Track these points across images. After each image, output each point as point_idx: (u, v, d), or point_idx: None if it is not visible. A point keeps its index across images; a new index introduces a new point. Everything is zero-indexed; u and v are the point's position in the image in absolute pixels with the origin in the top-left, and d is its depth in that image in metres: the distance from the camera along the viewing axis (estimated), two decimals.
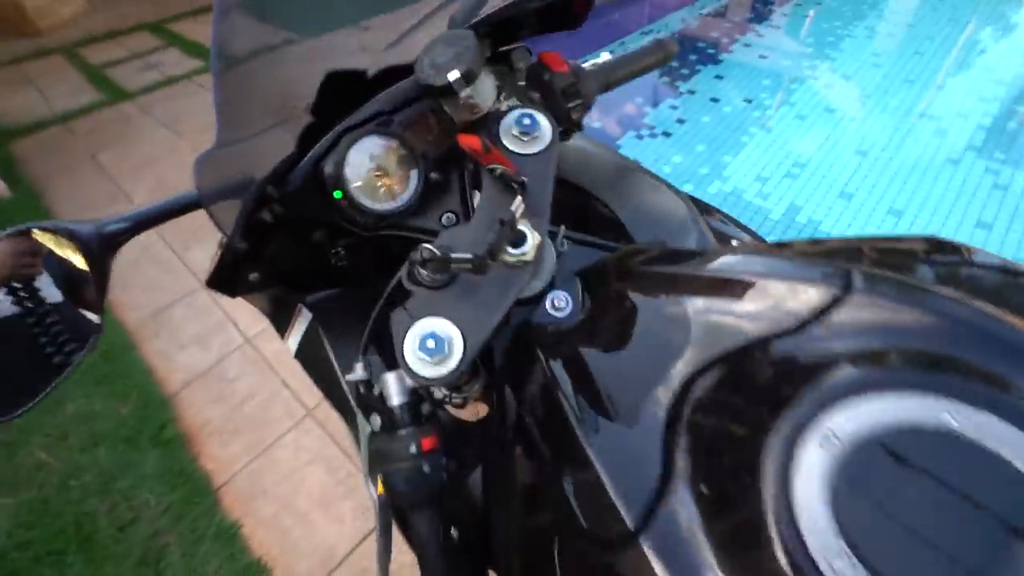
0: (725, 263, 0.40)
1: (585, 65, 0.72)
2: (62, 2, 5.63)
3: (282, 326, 0.86)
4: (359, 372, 0.59)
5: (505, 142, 0.57)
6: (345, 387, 0.78)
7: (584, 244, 0.62)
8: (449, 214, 0.61)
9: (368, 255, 0.73)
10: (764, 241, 0.81)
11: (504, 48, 0.69)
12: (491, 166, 0.55)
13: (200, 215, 0.67)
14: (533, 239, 0.53)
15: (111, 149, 3.73)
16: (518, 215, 0.52)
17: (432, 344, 0.46)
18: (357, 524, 1.80)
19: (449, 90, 0.53)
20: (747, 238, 0.86)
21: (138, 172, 3.49)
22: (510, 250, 0.53)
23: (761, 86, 3.79)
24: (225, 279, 0.66)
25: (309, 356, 0.84)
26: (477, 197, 0.58)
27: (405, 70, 0.57)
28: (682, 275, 0.43)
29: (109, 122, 4.03)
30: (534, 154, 0.57)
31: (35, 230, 0.54)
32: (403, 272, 0.54)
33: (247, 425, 2.08)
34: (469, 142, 0.56)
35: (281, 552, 1.76)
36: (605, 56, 0.78)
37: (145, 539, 1.81)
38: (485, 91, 0.57)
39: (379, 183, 0.58)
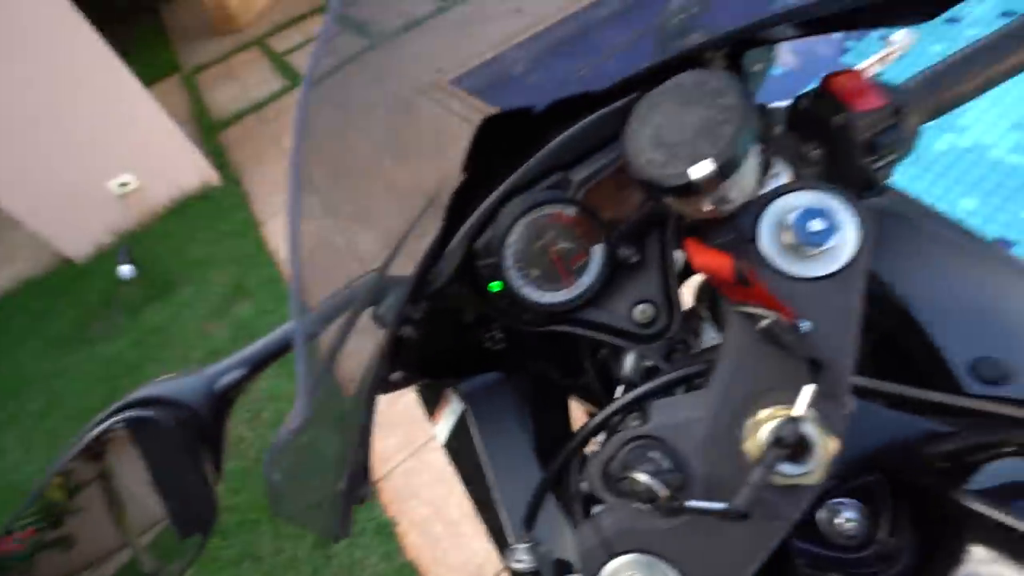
0: None
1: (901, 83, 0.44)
2: None
3: (431, 404, 0.73)
4: (523, 559, 0.42)
5: (771, 256, 0.33)
6: (497, 502, 0.62)
7: (882, 398, 0.37)
8: (644, 306, 0.47)
9: (532, 340, 0.59)
10: None
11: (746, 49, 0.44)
12: (748, 309, 0.32)
13: None
14: (824, 447, 0.30)
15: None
16: (806, 416, 0.29)
17: None
18: None
19: (690, 188, 0.31)
20: None
21: None
22: (785, 468, 0.30)
23: None
24: None
25: (458, 449, 0.70)
26: (675, 279, 0.47)
27: (581, 100, 0.42)
28: None
29: (291, 107, 4.37)
30: (826, 278, 0.33)
31: (121, 421, 0.43)
32: (593, 469, 0.34)
33: (402, 420, 2.10)
34: (711, 263, 0.34)
35: (433, 560, 1.74)
36: (899, 39, 0.42)
37: None
38: (747, 178, 0.34)
39: (549, 268, 0.45)
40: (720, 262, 0.34)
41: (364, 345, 0.46)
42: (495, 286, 0.46)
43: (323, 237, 0.51)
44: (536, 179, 0.45)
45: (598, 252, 0.46)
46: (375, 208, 0.55)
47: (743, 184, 0.33)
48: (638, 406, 0.40)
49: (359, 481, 0.42)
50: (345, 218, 0.54)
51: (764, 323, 0.31)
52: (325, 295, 0.47)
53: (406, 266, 0.45)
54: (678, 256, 0.49)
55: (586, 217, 0.45)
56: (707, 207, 0.33)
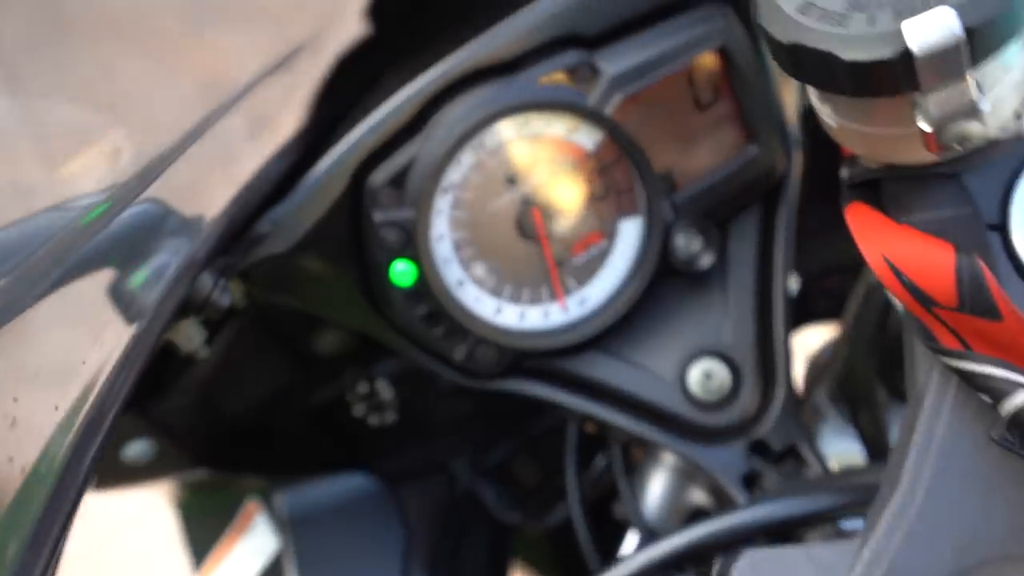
0: None
1: None
2: None
3: (201, 536, 0.40)
4: None
5: None
6: None
7: None
8: (710, 363, 0.28)
9: (455, 414, 0.38)
10: None
11: None
12: (977, 366, 0.17)
13: None
14: None
15: None
16: None
17: None
18: None
19: (898, 75, 0.15)
20: None
21: None
22: None
23: None
24: None
25: None
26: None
27: None
28: None
29: None
30: None
31: None
32: None
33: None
34: (910, 261, 0.17)
35: None
36: None
37: None
38: (1011, 88, 0.17)
39: (523, 255, 0.27)
40: (928, 261, 0.17)
41: (83, 348, 0.18)
42: (404, 275, 0.25)
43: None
44: (519, 58, 0.26)
45: (631, 234, 0.27)
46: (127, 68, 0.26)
47: (999, 101, 0.17)
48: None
49: None
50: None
51: (1017, 403, 0.16)
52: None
53: (207, 196, 0.22)
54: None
55: (618, 155, 0.26)
56: (920, 137, 0.16)
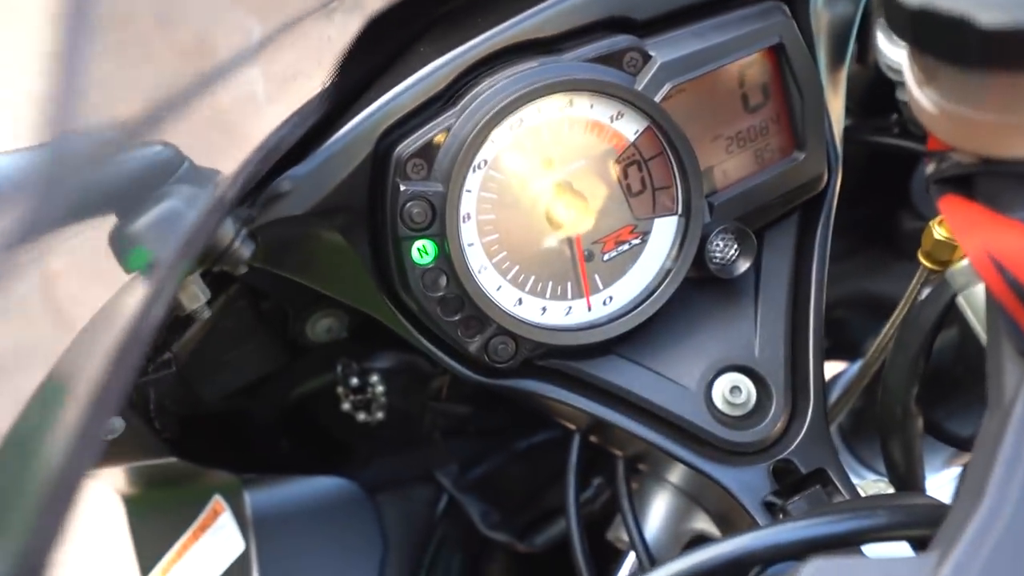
0: None
1: None
2: None
3: (152, 543, 0.34)
4: None
5: None
6: None
7: None
8: (736, 377, 0.26)
9: (453, 416, 0.35)
10: None
11: None
12: None
13: None
14: None
15: None
16: None
17: None
18: None
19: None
20: None
21: None
22: None
23: None
24: None
25: None
26: None
27: None
28: None
29: None
30: None
31: None
32: None
33: None
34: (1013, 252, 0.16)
35: None
36: None
37: None
38: None
39: (552, 249, 0.25)
40: None
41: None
42: (424, 253, 0.23)
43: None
44: (565, 36, 0.25)
45: (666, 233, 0.25)
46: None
47: None
48: None
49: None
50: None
51: None
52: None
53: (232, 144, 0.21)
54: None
55: (660, 149, 0.25)
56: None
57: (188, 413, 0.30)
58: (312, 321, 0.29)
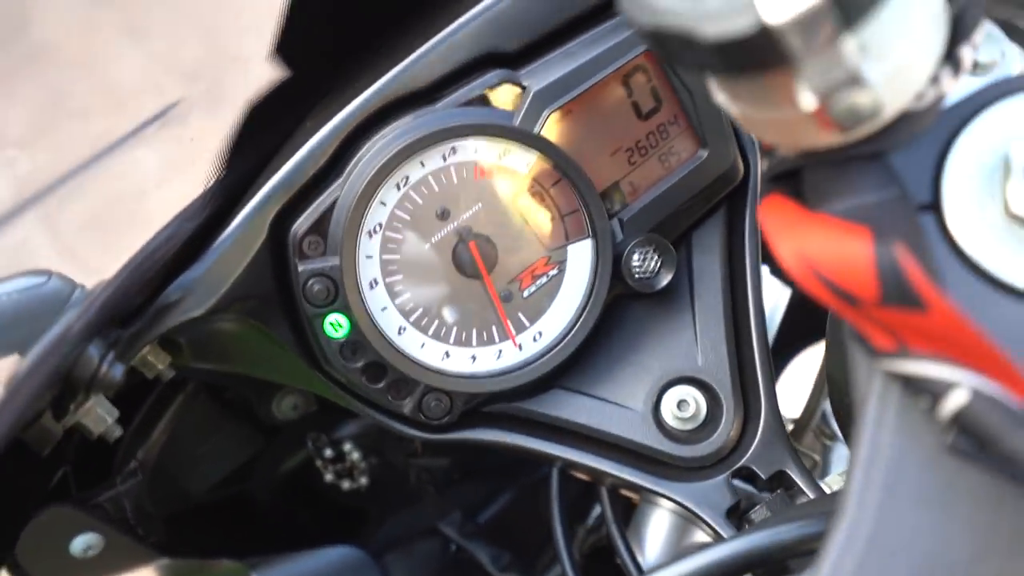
0: None
1: None
2: None
3: None
4: None
5: (973, 241, 0.16)
6: None
7: None
8: (684, 389, 0.25)
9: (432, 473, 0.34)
10: None
11: None
12: (912, 367, 0.14)
13: None
14: None
15: None
16: None
17: None
18: None
19: (759, 51, 0.13)
20: None
21: None
22: None
23: None
24: None
25: None
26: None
27: None
28: None
29: None
30: None
31: None
32: None
33: None
34: (823, 254, 0.15)
35: None
36: None
37: None
38: (908, 49, 0.14)
39: (462, 291, 0.24)
40: (845, 252, 0.15)
41: None
42: (337, 327, 0.23)
43: None
44: (438, 84, 0.24)
45: (582, 258, 0.25)
46: None
47: (900, 66, 0.14)
48: None
49: None
50: None
51: (956, 403, 0.14)
52: None
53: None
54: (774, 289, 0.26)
55: (557, 176, 0.24)
56: (810, 115, 0.14)
57: (178, 510, 0.31)
58: (276, 401, 0.30)
